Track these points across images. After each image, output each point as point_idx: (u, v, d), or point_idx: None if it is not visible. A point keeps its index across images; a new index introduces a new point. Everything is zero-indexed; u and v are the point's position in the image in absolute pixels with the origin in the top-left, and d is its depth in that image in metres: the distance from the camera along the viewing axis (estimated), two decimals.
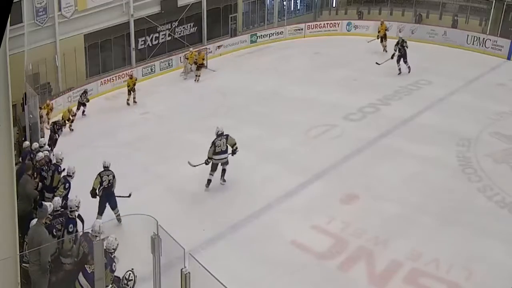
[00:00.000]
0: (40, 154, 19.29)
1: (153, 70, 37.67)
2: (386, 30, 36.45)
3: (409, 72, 32.75)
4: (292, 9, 48.72)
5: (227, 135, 21.60)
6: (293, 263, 17.17)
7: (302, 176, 22.14)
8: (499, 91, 30.50)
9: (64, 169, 18.61)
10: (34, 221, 13.51)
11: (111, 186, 18.87)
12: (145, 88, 34.79)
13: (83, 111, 31.94)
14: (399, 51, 32.34)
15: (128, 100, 32.82)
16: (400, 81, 32.01)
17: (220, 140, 21.35)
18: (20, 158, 20.41)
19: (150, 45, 39.81)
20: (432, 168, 22.54)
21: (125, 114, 30.93)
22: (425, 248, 17.49)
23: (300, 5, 49.33)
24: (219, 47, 40.47)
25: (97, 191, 18.67)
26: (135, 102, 32.80)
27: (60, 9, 34.31)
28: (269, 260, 17.26)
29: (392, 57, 32.86)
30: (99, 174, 18.87)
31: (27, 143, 21.50)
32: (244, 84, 32.83)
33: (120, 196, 19.29)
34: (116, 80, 35.94)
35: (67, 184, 17.65)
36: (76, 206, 14.87)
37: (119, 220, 18.27)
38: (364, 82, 32.39)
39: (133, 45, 38.52)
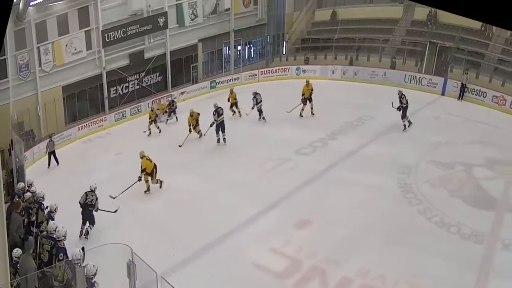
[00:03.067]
0: (27, 194, 19.49)
1: (124, 115, 37.81)
2: (311, 91, 33.33)
3: (409, 126, 30.36)
4: (246, 57, 48.95)
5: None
6: (255, 282, 17.41)
7: (259, 204, 22.35)
8: (435, 123, 31.12)
9: (47, 206, 18.85)
10: (19, 252, 13.68)
11: (93, 206, 20.77)
12: (117, 132, 34.91)
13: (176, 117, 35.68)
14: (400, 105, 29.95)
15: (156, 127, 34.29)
16: (346, 117, 32.32)
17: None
18: (10, 197, 20.70)
19: (121, 93, 39.78)
20: (377, 194, 22.83)
21: (101, 155, 30.75)
22: (372, 265, 17.71)
23: (253, 54, 49.58)
24: (182, 93, 40.58)
25: (81, 204, 20.78)
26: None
27: (40, 65, 34.43)
28: (234, 280, 17.47)
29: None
30: (85, 192, 20.93)
31: (21, 184, 21.47)
32: (206, 124, 32.87)
33: (106, 211, 21.11)
34: (91, 125, 35.99)
35: (50, 220, 17.66)
36: (63, 236, 15.03)
37: (86, 234, 20.81)
38: (313, 119, 32.75)
39: (105, 94, 38.49)
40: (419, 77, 38.12)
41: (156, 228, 21.36)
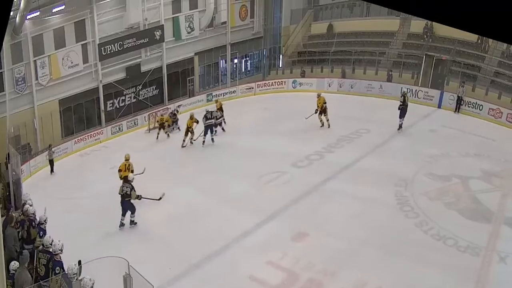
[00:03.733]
0: (25, 208, 19.41)
1: (121, 129, 37.76)
2: (324, 103, 33.55)
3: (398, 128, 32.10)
4: (243, 70, 49.06)
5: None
6: None
7: (256, 217, 22.37)
8: (431, 136, 31.24)
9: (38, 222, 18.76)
10: (16, 264, 13.79)
11: (128, 195, 22.39)
12: (114, 145, 34.89)
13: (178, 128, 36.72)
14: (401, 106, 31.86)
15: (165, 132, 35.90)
16: (342, 130, 32.44)
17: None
18: (6, 211, 20.76)
19: (118, 106, 39.85)
20: (374, 207, 22.90)
21: (98, 168, 30.73)
22: (369, 277, 17.79)
23: (250, 67, 49.70)
24: (179, 106, 40.57)
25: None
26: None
27: (37, 78, 34.48)
28: None
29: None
30: (122, 184, 22.86)
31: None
32: (201, 138, 32.97)
33: (150, 199, 22.75)
34: (88, 139, 35.96)
35: (41, 232, 17.64)
36: (60, 250, 15.05)
37: (131, 223, 22.70)
38: (309, 132, 32.78)
39: (102, 107, 38.59)
40: (416, 90, 38.25)
41: (153, 241, 21.38)
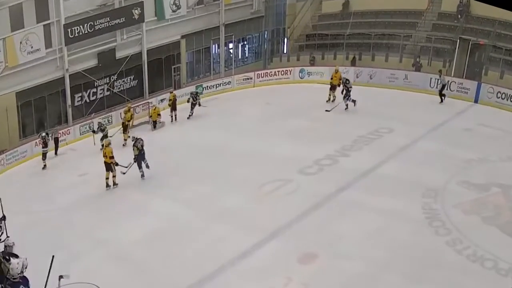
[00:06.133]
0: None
1: (91, 128, 36.78)
2: (340, 79, 36.57)
3: (354, 105, 35.49)
4: (239, 57, 49.20)
5: None
6: None
7: (256, 236, 22.26)
8: (466, 137, 31.18)
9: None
10: None
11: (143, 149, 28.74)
12: (83, 148, 34.75)
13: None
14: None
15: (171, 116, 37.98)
16: (360, 129, 32.42)
17: None
18: None
19: (88, 101, 39.68)
20: (397, 222, 22.75)
21: (63, 176, 30.67)
22: None
23: (248, 53, 49.88)
24: (162, 100, 40.45)
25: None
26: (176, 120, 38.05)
27: None
28: None
29: (347, 99, 34.74)
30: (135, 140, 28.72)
31: None
32: (190, 139, 33.02)
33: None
34: (51, 140, 35.35)
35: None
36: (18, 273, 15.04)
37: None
38: (320, 132, 32.83)
39: (69, 101, 38.30)
40: (448, 81, 37.92)
41: (130, 263, 21.32)
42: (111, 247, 22.49)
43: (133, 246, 22.46)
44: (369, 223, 22.76)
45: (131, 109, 34.16)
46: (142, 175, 28.98)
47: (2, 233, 19.29)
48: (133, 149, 29.19)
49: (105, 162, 28.15)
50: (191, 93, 38.45)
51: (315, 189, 26.01)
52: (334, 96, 36.73)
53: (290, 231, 22.81)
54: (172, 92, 38.41)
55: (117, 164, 28.21)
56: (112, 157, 28.21)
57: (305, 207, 24.41)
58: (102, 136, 32.99)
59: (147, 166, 29.27)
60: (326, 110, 34.65)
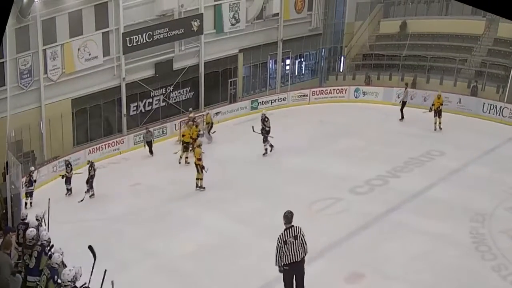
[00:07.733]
0: (30, 232, 18.71)
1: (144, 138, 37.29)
2: (441, 104, 36.06)
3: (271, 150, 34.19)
4: (296, 73, 49.33)
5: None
6: None
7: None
8: None
9: (51, 254, 18.21)
10: None
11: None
12: (137, 158, 35.18)
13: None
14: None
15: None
16: (411, 151, 32.40)
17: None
18: (2, 233, 20.62)
19: (143, 111, 40.14)
20: (444, 245, 22.63)
21: (114, 185, 31.22)
22: None
23: (304, 70, 50.02)
24: (217, 113, 40.67)
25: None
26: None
27: (46, 72, 34.62)
28: None
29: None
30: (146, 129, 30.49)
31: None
32: (243, 154, 33.28)
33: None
34: (105, 148, 36.06)
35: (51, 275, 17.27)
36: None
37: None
38: (372, 152, 32.88)
39: (124, 111, 38.82)
40: (500, 107, 37.88)
41: (177, 276, 21.57)
42: (159, 259, 22.78)
43: (181, 259, 22.75)
44: (417, 245, 22.68)
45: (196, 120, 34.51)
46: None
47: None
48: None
49: (195, 162, 29.05)
50: (262, 117, 34.23)
51: (364, 209, 26.06)
52: (440, 122, 36.02)
53: (337, 249, 22.94)
54: (208, 114, 38.46)
55: (203, 167, 28.45)
56: (200, 159, 28.71)
57: (354, 226, 24.50)
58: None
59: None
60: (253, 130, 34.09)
